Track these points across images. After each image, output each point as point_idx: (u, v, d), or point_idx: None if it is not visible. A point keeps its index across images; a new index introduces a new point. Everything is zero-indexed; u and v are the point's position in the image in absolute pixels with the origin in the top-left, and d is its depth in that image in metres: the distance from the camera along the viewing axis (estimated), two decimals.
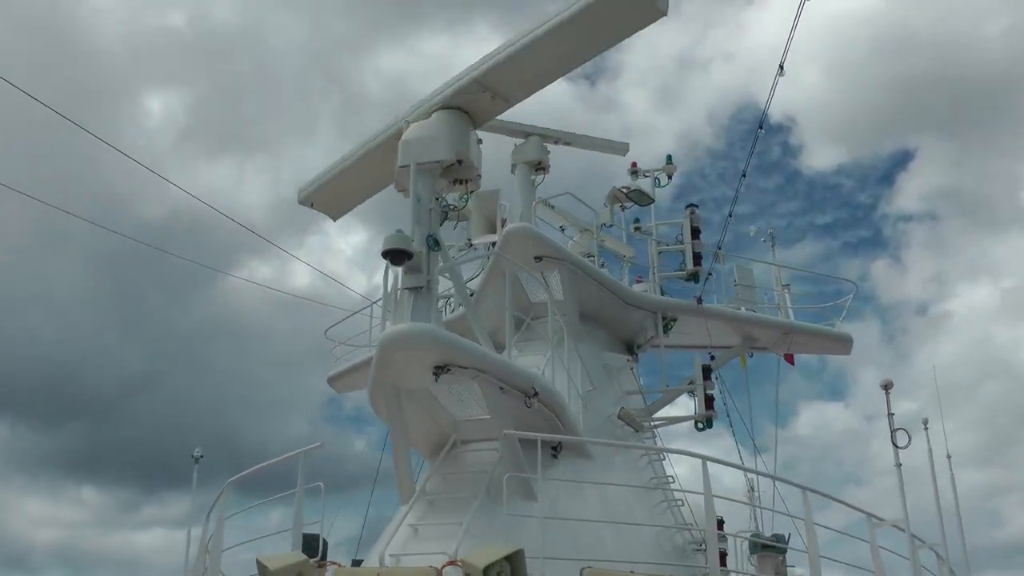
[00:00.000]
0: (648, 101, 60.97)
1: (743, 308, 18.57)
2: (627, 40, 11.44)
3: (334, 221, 13.66)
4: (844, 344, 18.98)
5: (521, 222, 15.09)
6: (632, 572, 10.09)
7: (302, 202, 13.42)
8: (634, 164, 17.96)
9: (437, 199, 11.07)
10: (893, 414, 13.47)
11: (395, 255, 10.27)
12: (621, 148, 17.11)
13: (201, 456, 13.56)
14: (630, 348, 17.20)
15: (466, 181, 11.45)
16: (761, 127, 12.88)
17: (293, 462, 11.06)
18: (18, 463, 52.38)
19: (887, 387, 13.66)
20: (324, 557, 10.57)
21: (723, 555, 13.78)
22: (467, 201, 14.73)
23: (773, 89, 11.67)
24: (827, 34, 59.09)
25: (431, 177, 11.03)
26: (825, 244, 62.79)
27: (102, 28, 53.57)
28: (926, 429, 14.80)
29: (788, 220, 62.76)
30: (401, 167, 11.11)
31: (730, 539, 14.54)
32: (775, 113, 63.45)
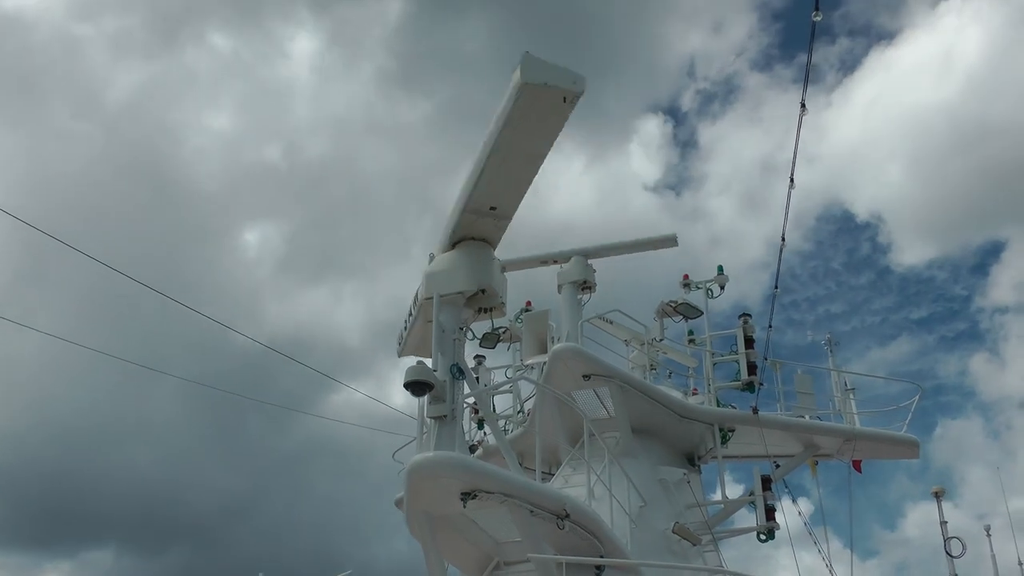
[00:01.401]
0: (734, 208, 61.13)
1: (807, 416, 18.49)
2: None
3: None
4: (911, 448, 18.65)
5: (568, 342, 15.33)
6: None
7: (401, 355, 13.00)
8: (686, 276, 18.09)
9: (462, 329, 11.38)
10: (946, 522, 13.36)
11: (416, 386, 10.58)
12: (669, 241, 17.05)
13: None
14: (691, 460, 17.24)
15: (490, 309, 11.74)
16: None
17: None
18: None
19: (939, 495, 13.52)
20: None
21: None
22: (519, 320, 15.10)
23: (788, 203, 11.77)
24: (906, 129, 58.96)
25: (454, 308, 11.36)
26: (921, 340, 61.71)
27: (202, 167, 55.86)
28: (989, 536, 14.57)
29: (882, 316, 62.03)
30: (426, 299, 11.48)
31: None
32: (861, 212, 63.27)
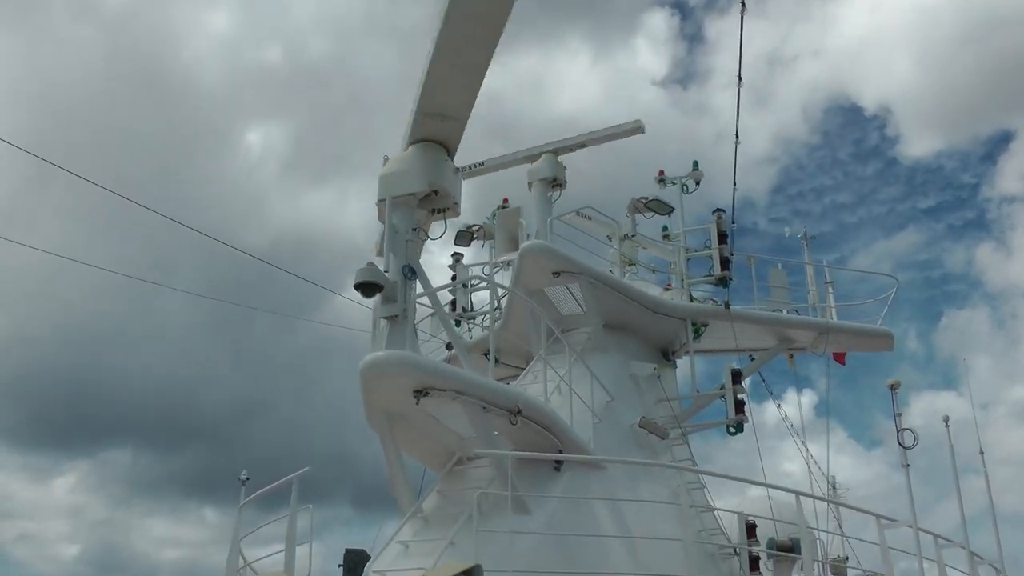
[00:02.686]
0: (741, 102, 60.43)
1: (783, 311, 18.64)
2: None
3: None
4: (885, 340, 18.86)
5: (537, 239, 15.42)
6: None
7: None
8: (661, 172, 18.11)
9: (415, 229, 11.49)
10: (900, 414, 13.51)
11: (365, 287, 10.75)
12: (635, 128, 16.84)
13: (248, 479, 14.30)
14: (666, 355, 17.42)
15: (444, 210, 11.84)
16: (737, 136, 12.90)
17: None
18: (142, 488, 54.59)
19: (894, 387, 13.69)
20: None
21: (755, 560, 13.99)
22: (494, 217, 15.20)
23: (739, 102, 11.77)
24: (914, 20, 58.20)
25: (407, 209, 11.47)
26: (929, 228, 61.62)
27: (204, 69, 55.53)
28: (947, 427, 14.80)
29: (889, 207, 61.89)
30: (379, 201, 11.59)
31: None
32: (869, 104, 62.78)
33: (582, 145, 16.33)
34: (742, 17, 10.92)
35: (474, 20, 10.20)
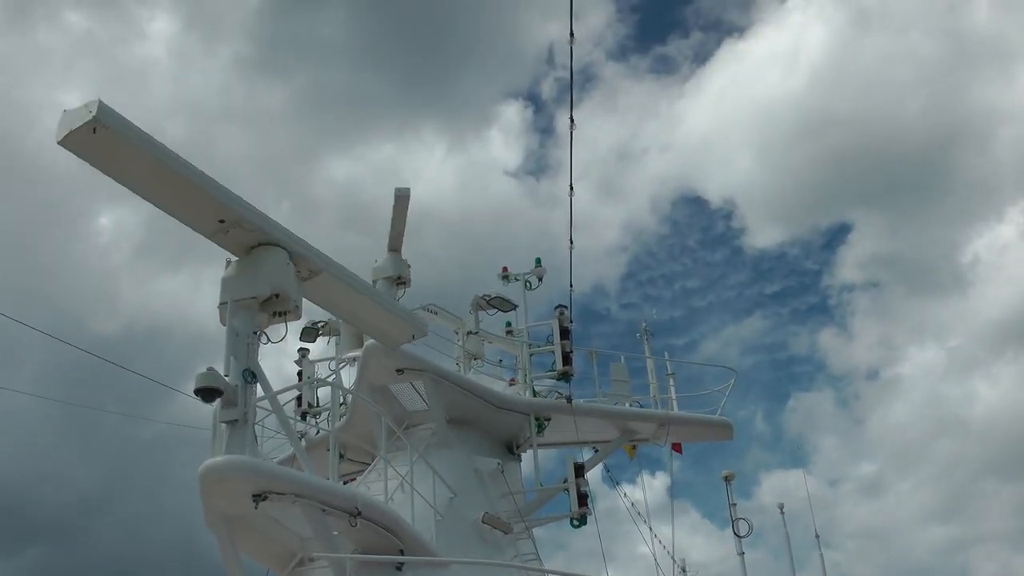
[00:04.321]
0: (591, 194, 62.29)
1: (626, 403, 19.15)
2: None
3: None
4: (725, 430, 19.47)
5: None
6: None
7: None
8: (505, 269, 18.56)
9: (255, 333, 11.58)
10: (735, 504, 14.11)
11: (205, 392, 10.78)
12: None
13: None
14: (511, 449, 17.70)
15: (285, 313, 11.94)
16: (571, 242, 13.42)
17: None
18: None
19: (728, 479, 14.24)
20: None
21: None
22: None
23: (571, 211, 12.28)
24: (755, 119, 61.06)
25: (248, 312, 11.54)
26: (775, 313, 63.83)
27: (55, 148, 54.31)
28: (782, 514, 15.41)
29: (737, 291, 63.95)
30: (221, 304, 11.65)
31: None
32: (714, 198, 65.35)
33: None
34: (571, 133, 11.40)
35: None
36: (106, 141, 9.87)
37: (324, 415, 18.00)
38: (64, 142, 9.78)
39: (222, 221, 11.18)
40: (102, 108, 9.68)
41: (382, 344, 13.42)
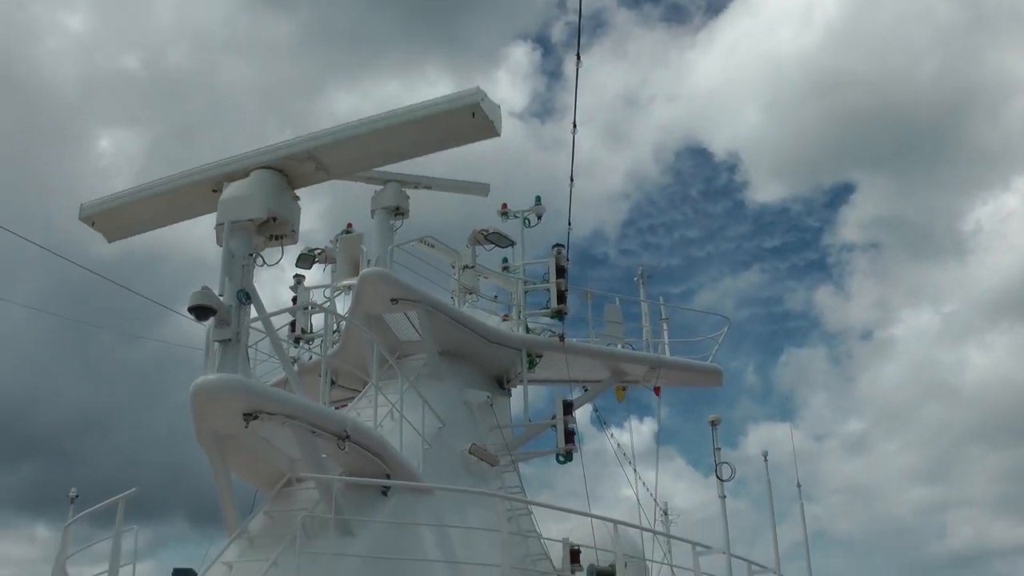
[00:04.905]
0: (596, 139, 62.16)
1: (619, 345, 19.30)
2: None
3: (108, 243, 13.57)
4: (714, 376, 19.65)
5: (377, 266, 15.69)
6: None
7: (83, 219, 13.21)
8: (504, 205, 18.56)
9: (251, 255, 11.67)
10: (719, 448, 14.24)
11: (199, 311, 10.90)
12: (482, 190, 17.55)
13: (77, 496, 14.15)
14: (501, 383, 17.85)
15: (281, 236, 12.03)
16: (572, 179, 13.46)
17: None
18: None
19: (714, 423, 14.40)
20: None
21: None
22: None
23: (573, 149, 12.32)
24: (764, 75, 60.75)
25: (245, 234, 11.63)
26: (773, 268, 63.96)
27: (58, 69, 54.28)
28: (766, 461, 15.58)
29: (737, 243, 63.98)
30: (218, 225, 11.74)
31: None
32: (719, 151, 65.23)
33: (427, 187, 16.70)
34: (577, 70, 11.41)
35: (422, 138, 12.01)
36: (108, 220, 13.12)
37: (317, 341, 18.12)
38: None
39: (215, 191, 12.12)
40: (84, 208, 13.09)
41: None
